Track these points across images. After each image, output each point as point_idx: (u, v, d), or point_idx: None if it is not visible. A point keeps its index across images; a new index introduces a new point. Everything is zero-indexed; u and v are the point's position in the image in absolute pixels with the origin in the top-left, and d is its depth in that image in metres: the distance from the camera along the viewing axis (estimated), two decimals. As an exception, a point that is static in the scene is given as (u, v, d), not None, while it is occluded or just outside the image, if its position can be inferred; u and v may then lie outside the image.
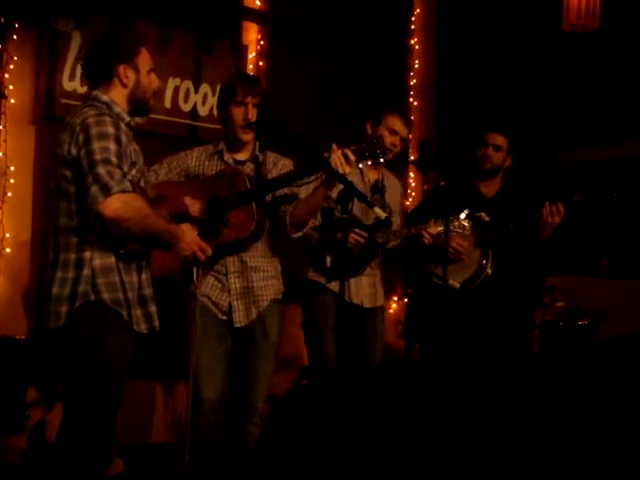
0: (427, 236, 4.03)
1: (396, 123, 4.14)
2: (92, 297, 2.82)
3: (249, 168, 3.58)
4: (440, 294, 3.99)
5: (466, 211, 3.91)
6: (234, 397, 3.63)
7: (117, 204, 2.73)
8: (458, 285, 3.99)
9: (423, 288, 4.32)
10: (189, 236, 2.99)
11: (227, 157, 3.61)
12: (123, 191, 2.75)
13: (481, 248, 4.21)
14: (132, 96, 2.97)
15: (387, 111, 4.18)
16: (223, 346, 3.56)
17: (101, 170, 2.73)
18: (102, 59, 2.94)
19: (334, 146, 3.35)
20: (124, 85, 2.95)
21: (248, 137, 3.59)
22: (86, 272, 2.83)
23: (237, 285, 3.55)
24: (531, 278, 4.68)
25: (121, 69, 2.93)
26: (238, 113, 3.55)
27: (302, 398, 1.32)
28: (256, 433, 3.58)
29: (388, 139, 4.04)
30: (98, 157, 2.75)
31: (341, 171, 3.28)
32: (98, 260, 2.83)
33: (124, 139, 2.84)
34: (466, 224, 3.93)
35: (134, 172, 2.88)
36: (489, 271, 4.22)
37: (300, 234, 3.59)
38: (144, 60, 2.99)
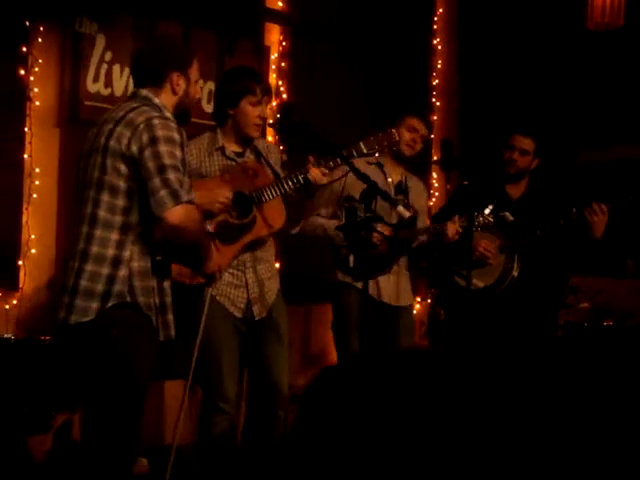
0: (450, 234, 4.03)
1: (414, 122, 4.25)
2: (128, 299, 2.78)
3: (250, 158, 3.65)
4: (464, 294, 3.98)
5: (491, 206, 3.92)
6: (256, 387, 3.69)
7: (183, 213, 2.71)
8: (482, 285, 3.98)
9: (447, 288, 4.31)
10: (215, 256, 3.02)
11: (229, 152, 3.64)
12: (190, 202, 2.74)
13: (506, 253, 4.21)
14: (180, 104, 2.95)
15: (405, 114, 4.29)
16: (238, 345, 3.62)
17: (171, 176, 2.70)
18: (158, 62, 2.91)
19: (312, 159, 3.53)
20: (175, 93, 2.93)
21: (258, 134, 3.68)
22: (123, 272, 2.78)
23: (253, 279, 3.60)
24: (556, 279, 4.65)
25: (175, 76, 2.91)
26: (254, 111, 3.57)
27: (329, 388, 1.32)
28: (283, 417, 3.65)
29: (407, 136, 4.18)
30: (167, 161, 2.72)
31: (321, 182, 3.51)
32: (137, 262, 2.80)
33: (186, 148, 2.83)
34: (491, 219, 3.94)
35: None
36: (515, 274, 4.21)
37: (298, 229, 3.72)
38: (195, 71, 2.98)
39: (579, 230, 4.11)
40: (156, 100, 2.89)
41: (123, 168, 2.78)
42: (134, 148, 2.75)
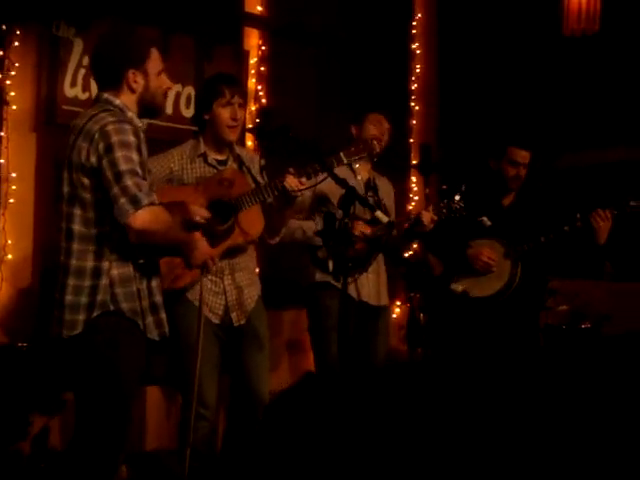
0: (425, 222, 4.07)
1: (377, 116, 4.35)
2: (111, 307, 2.81)
3: (232, 167, 3.67)
4: (447, 301, 4.02)
5: (459, 193, 3.99)
6: (237, 394, 3.69)
7: (147, 217, 2.72)
8: (461, 289, 4.01)
9: (427, 293, 4.33)
10: (202, 246, 2.99)
11: (211, 159, 3.65)
12: (152, 204, 2.74)
13: (511, 259, 4.23)
14: (142, 101, 2.94)
15: (368, 112, 4.39)
16: (217, 351, 3.62)
17: (129, 182, 2.71)
18: (111, 63, 2.89)
19: (291, 170, 3.55)
20: (133, 90, 2.91)
21: (234, 137, 3.67)
22: (104, 281, 2.80)
23: (231, 286, 3.62)
24: (540, 282, 4.66)
25: (130, 74, 2.89)
26: (225, 113, 3.61)
27: (298, 398, 1.31)
28: None
29: (374, 131, 4.28)
30: (124, 167, 2.72)
31: (298, 190, 3.51)
32: (116, 270, 2.82)
33: (144, 149, 2.83)
34: (462, 204, 4.01)
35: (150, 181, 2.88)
36: (517, 282, 4.24)
37: (278, 239, 3.75)
38: (154, 63, 2.94)
39: (583, 236, 4.14)
40: (117, 102, 2.89)
41: (86, 181, 2.80)
42: (93, 159, 2.77)
